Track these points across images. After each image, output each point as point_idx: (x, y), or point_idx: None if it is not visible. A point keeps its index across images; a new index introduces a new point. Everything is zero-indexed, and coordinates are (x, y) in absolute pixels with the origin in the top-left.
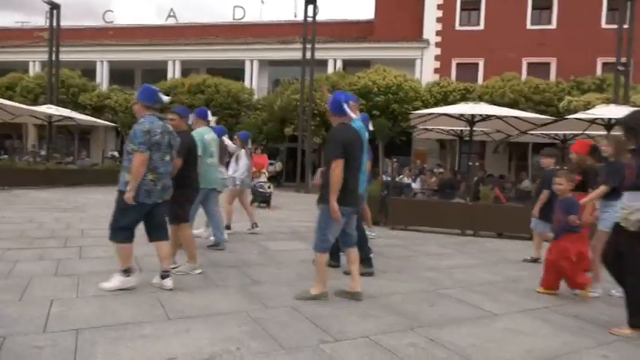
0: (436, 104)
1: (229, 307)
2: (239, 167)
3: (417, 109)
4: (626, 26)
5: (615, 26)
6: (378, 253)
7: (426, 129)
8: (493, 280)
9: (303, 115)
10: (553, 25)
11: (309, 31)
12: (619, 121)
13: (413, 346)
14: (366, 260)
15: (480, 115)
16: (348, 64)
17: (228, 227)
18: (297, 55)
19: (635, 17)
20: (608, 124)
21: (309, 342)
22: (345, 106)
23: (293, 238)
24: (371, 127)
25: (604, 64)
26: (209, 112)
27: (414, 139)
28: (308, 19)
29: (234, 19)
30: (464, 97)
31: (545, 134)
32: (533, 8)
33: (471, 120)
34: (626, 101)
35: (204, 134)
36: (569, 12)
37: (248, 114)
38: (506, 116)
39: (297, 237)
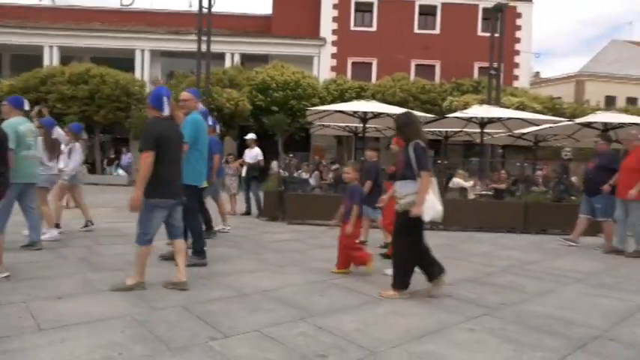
0: (333, 101)
1: (111, 312)
2: (70, 161)
3: (315, 105)
4: (497, 35)
5: (489, 34)
6: (275, 249)
7: (323, 125)
8: (380, 268)
9: None
10: (437, 31)
11: (204, 22)
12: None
13: (302, 335)
14: (200, 252)
15: (372, 112)
16: (247, 59)
17: (57, 225)
18: (192, 46)
19: (504, 27)
20: (482, 122)
21: (197, 340)
22: (165, 101)
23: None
24: (210, 122)
25: (480, 68)
26: (25, 101)
27: (312, 135)
28: (203, 9)
29: (122, 5)
30: (359, 95)
31: (431, 131)
32: (420, 14)
33: (364, 117)
34: (497, 102)
35: (19, 125)
36: (451, 19)
37: (139, 107)
38: (395, 114)
39: None
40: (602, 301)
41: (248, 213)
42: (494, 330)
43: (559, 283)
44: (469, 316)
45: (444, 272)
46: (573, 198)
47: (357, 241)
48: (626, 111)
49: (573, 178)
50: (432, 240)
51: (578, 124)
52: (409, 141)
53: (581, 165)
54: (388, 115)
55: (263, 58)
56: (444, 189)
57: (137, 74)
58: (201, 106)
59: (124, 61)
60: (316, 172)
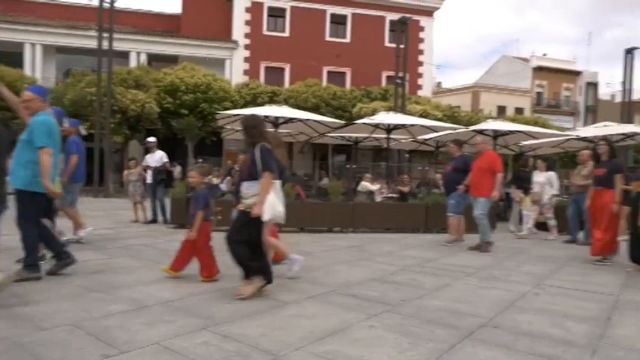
0: (245, 105)
1: None
2: None
3: (227, 109)
4: (402, 46)
5: (395, 45)
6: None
7: (235, 129)
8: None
9: (101, 112)
10: (348, 39)
11: (106, 17)
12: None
13: (205, 345)
14: (31, 266)
15: (284, 117)
16: (154, 59)
17: None
18: (92, 43)
19: (408, 39)
20: (388, 128)
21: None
22: None
23: (84, 247)
24: (69, 123)
25: (387, 77)
26: None
27: (224, 139)
28: (105, 4)
29: None
30: (272, 100)
31: (342, 136)
32: (331, 22)
33: (276, 122)
34: (403, 109)
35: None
36: (360, 29)
37: None
38: (306, 119)
39: (89, 246)
40: (491, 292)
41: (154, 221)
42: (393, 325)
43: (454, 278)
44: (371, 313)
45: (268, 281)
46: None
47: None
48: (513, 120)
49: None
50: (342, 242)
51: (472, 130)
52: (255, 143)
53: None
54: (299, 120)
55: (172, 59)
56: (352, 192)
57: (27, 71)
58: (50, 107)
59: (11, 56)
60: (228, 178)
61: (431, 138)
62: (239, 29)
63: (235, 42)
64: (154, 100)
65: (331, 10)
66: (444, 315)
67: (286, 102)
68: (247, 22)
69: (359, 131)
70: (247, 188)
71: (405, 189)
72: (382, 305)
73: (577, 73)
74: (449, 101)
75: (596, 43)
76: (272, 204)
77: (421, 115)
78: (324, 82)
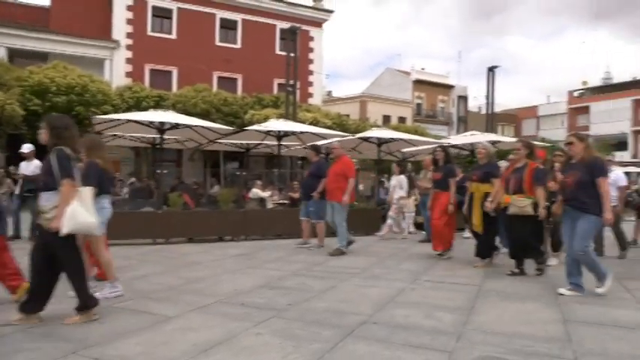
0: (129, 110)
1: None
2: None
3: (107, 113)
4: (292, 55)
5: (286, 53)
6: None
7: (116, 135)
8: (175, 284)
9: None
10: (238, 45)
11: None
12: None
13: None
14: None
15: (170, 123)
16: (17, 55)
17: None
18: None
19: (297, 48)
20: (279, 135)
21: None
22: None
23: None
24: None
25: (279, 85)
26: None
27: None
28: None
29: None
30: (158, 105)
31: (233, 143)
32: (221, 27)
33: (161, 128)
34: (294, 117)
35: None
36: (251, 36)
37: None
38: (195, 125)
39: None
40: (372, 291)
41: (17, 237)
42: (279, 330)
43: (340, 280)
44: (257, 320)
45: (39, 311)
46: (355, 203)
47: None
48: (396, 128)
49: (360, 186)
50: (233, 250)
51: (359, 138)
52: (53, 146)
53: (369, 174)
54: (187, 126)
55: (40, 56)
56: (243, 200)
57: None
58: None
59: None
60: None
61: (321, 145)
62: (120, 28)
63: (116, 41)
64: (16, 102)
65: (221, 14)
66: (329, 316)
67: (174, 107)
68: (129, 21)
69: (250, 138)
70: (46, 200)
71: (296, 195)
72: (269, 311)
73: (450, 87)
74: (339, 110)
75: (466, 61)
76: (73, 214)
77: (312, 123)
78: (215, 88)
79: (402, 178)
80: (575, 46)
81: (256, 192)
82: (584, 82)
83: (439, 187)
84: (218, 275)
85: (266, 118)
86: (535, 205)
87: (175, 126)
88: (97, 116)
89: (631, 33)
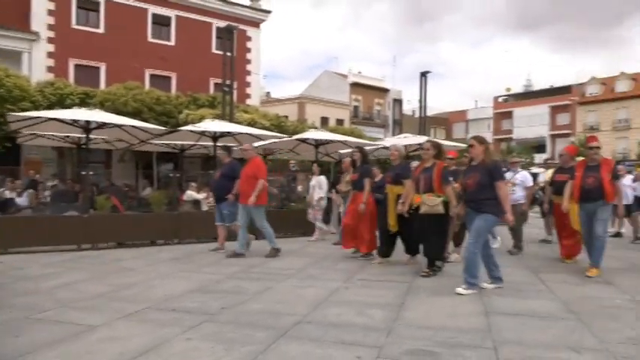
0: (51, 107)
1: None
2: None
3: (26, 110)
4: (229, 54)
5: (222, 52)
6: None
7: (36, 134)
8: (102, 292)
9: None
10: (172, 42)
11: None
12: None
13: None
14: None
15: (96, 122)
16: None
17: None
18: None
19: (234, 48)
20: (214, 136)
21: None
22: None
23: None
24: None
25: (215, 84)
26: None
27: (23, 146)
28: None
29: None
30: (84, 102)
31: (166, 144)
32: (154, 23)
33: (87, 127)
34: (231, 117)
35: None
36: (186, 33)
37: None
38: (124, 125)
39: None
40: (308, 291)
41: None
42: (211, 334)
43: (276, 281)
44: (189, 325)
45: None
46: (293, 204)
47: None
48: (334, 130)
49: (299, 187)
50: (166, 254)
51: (296, 139)
52: None
53: (308, 175)
54: (116, 125)
55: None
56: (178, 202)
57: None
58: None
59: None
60: (30, 191)
61: (258, 146)
62: (40, 19)
63: (35, 33)
64: None
65: (153, 9)
66: (263, 317)
67: (102, 105)
68: (51, 13)
69: (185, 138)
70: None
71: (230, 197)
72: (202, 316)
73: (386, 91)
74: (277, 111)
75: (401, 65)
76: None
77: (249, 124)
78: (147, 86)
79: (322, 179)
80: (500, 54)
81: (191, 194)
82: (508, 89)
83: (356, 188)
84: (149, 281)
85: (201, 119)
86: (446, 204)
87: (103, 125)
88: (13, 114)
89: (550, 44)
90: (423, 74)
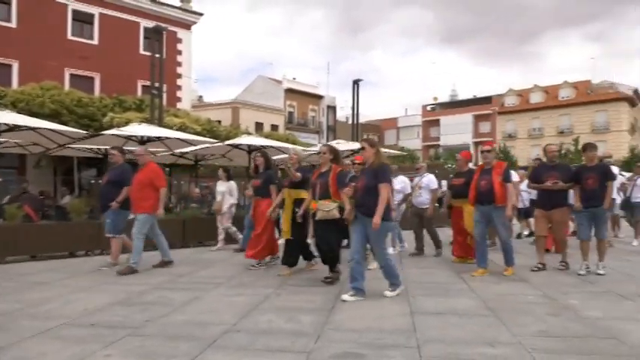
0: None
1: None
2: None
3: None
4: (158, 55)
5: (150, 54)
6: None
7: None
8: (10, 310)
9: None
10: (95, 41)
11: None
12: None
13: None
14: None
15: (6, 124)
16: None
17: None
18: None
19: (162, 49)
20: (141, 141)
21: None
22: None
23: None
24: None
25: (143, 87)
26: None
27: None
28: None
29: None
30: None
31: (89, 149)
32: (74, 19)
33: None
34: (160, 122)
35: None
36: (111, 32)
37: None
38: (40, 128)
39: None
40: (238, 299)
41: None
42: (133, 349)
43: (205, 290)
44: (109, 341)
45: None
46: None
47: None
48: (268, 136)
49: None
50: (86, 266)
51: (228, 145)
52: None
53: (240, 181)
54: (31, 128)
55: None
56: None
57: None
58: None
59: None
60: None
61: (189, 152)
62: None
63: None
64: None
65: (73, 5)
66: (190, 328)
67: (14, 106)
68: None
69: (109, 143)
70: None
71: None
72: (124, 330)
73: (320, 97)
74: (210, 115)
75: (336, 72)
76: None
77: (180, 129)
78: (67, 86)
79: (232, 184)
80: (428, 65)
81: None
82: (435, 98)
83: (259, 194)
84: (67, 295)
85: (128, 122)
86: (341, 209)
87: (14, 128)
88: None
89: (474, 57)
90: (356, 82)
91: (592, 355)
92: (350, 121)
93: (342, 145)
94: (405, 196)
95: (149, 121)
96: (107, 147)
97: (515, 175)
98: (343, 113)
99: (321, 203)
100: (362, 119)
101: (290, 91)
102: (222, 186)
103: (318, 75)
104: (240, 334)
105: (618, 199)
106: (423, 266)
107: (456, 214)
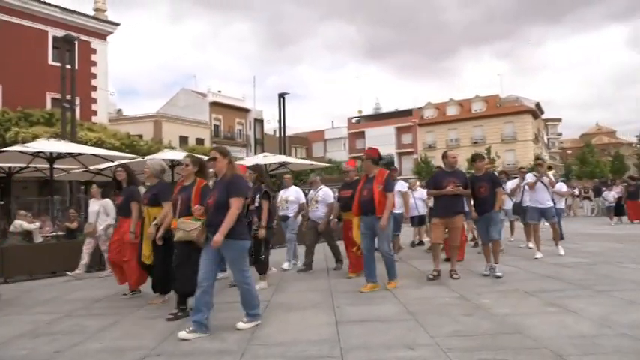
0: None
1: None
2: None
3: None
4: (69, 66)
5: (60, 64)
6: None
7: None
8: None
9: None
10: None
11: None
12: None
13: None
14: None
15: None
16: None
17: None
18: None
19: (75, 59)
20: (51, 158)
21: None
22: None
23: None
24: None
25: (53, 99)
26: None
27: None
28: None
29: None
30: None
31: None
32: None
33: None
34: (73, 137)
35: None
36: (14, 40)
37: None
38: None
39: None
40: (159, 322)
41: None
42: None
43: (122, 315)
44: None
45: None
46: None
47: None
48: (193, 150)
49: None
50: None
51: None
52: None
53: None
54: None
55: None
56: (3, 233)
57: None
58: None
59: None
60: None
61: (106, 168)
62: None
63: None
64: None
65: None
66: (105, 356)
67: None
68: None
69: (14, 160)
70: None
71: (73, 225)
72: None
73: (247, 110)
74: (131, 130)
75: (264, 85)
76: None
77: (96, 144)
78: None
79: (108, 202)
80: (353, 79)
81: (20, 224)
82: (360, 111)
83: (122, 214)
84: None
85: (35, 138)
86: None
87: None
88: None
89: (396, 71)
90: (281, 95)
91: (500, 350)
92: (277, 134)
93: (270, 157)
94: (300, 207)
95: (60, 136)
96: (12, 165)
97: (403, 185)
98: (271, 126)
99: (181, 222)
100: (290, 132)
101: (215, 104)
102: (95, 205)
103: (245, 88)
104: (160, 358)
105: (510, 204)
106: (349, 276)
107: (347, 227)
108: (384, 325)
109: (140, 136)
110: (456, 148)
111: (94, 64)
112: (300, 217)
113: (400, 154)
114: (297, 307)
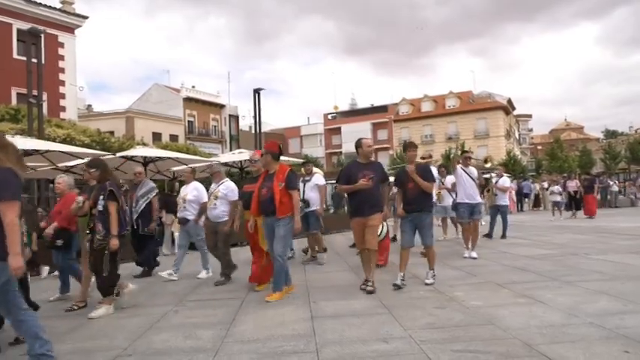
0: None
1: None
2: None
3: None
4: (35, 60)
5: (26, 59)
6: None
7: None
8: None
9: None
10: None
11: None
12: None
13: None
14: None
15: None
16: None
17: None
18: None
19: (42, 54)
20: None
21: None
22: None
23: None
24: None
25: (19, 95)
26: None
27: None
28: None
29: None
30: None
31: None
32: None
33: None
34: (40, 133)
35: None
36: None
37: None
38: None
39: None
40: (131, 321)
41: None
42: None
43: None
44: None
45: None
46: None
47: None
48: (166, 146)
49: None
50: None
51: (121, 157)
52: None
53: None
54: None
55: None
56: None
57: None
58: None
59: None
60: None
61: (76, 165)
62: None
63: None
64: None
65: None
66: (76, 358)
67: None
68: None
69: None
70: None
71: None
72: None
73: (222, 106)
74: (102, 126)
75: (240, 81)
76: None
77: (65, 140)
78: None
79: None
80: (329, 75)
81: None
82: (336, 107)
83: None
84: None
85: None
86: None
87: None
88: None
89: (372, 68)
90: (257, 91)
91: (472, 341)
92: (253, 130)
93: (245, 154)
94: (201, 208)
95: (27, 132)
96: None
97: (321, 178)
98: (247, 122)
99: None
100: (266, 128)
101: (189, 100)
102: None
103: (221, 84)
104: (132, 357)
105: (450, 200)
106: (324, 271)
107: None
108: (359, 319)
109: (112, 133)
110: (431, 143)
111: (62, 58)
112: (202, 220)
113: (376, 150)
114: (272, 303)
